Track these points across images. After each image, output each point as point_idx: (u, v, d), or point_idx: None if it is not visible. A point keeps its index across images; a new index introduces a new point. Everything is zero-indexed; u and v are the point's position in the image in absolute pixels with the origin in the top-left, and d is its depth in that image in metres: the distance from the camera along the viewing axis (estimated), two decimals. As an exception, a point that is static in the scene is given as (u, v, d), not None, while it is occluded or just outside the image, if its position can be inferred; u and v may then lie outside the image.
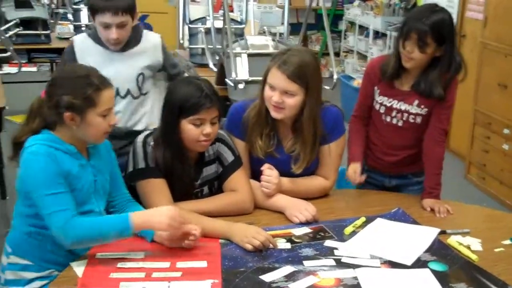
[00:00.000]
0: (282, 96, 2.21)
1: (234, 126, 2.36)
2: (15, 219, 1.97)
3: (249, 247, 1.94)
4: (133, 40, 2.69)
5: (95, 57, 2.58)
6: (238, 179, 2.25)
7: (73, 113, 1.84)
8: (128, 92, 2.72)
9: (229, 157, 2.27)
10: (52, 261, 1.91)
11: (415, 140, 2.48)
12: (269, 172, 2.26)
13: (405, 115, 2.44)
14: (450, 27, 2.28)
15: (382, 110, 2.48)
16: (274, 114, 2.26)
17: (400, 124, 2.46)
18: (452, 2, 5.67)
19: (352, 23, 8.76)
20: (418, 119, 2.44)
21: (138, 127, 2.71)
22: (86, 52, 2.64)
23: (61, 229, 1.79)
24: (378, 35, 7.85)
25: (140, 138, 2.17)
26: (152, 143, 2.14)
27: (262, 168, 2.26)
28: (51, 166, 1.81)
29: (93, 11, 2.56)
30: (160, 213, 1.87)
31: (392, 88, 2.44)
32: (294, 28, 7.87)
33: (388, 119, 2.48)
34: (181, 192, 2.17)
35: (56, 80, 1.91)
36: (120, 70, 2.62)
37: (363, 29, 8.35)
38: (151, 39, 2.79)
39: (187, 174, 2.18)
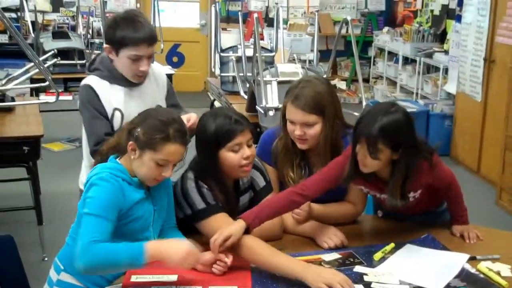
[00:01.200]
0: (303, 129, 2.28)
1: (265, 153, 2.42)
2: (70, 238, 2.04)
3: (324, 287, 1.86)
4: None
5: (117, 96, 2.51)
6: None
7: (135, 144, 1.94)
8: None
9: (261, 182, 2.32)
10: (101, 284, 1.96)
11: (423, 203, 2.34)
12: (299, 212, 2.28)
13: None
14: (405, 130, 2.06)
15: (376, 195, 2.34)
16: (300, 145, 2.33)
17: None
18: (482, 28, 5.68)
19: (381, 50, 8.81)
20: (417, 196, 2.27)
21: None
22: (108, 93, 2.50)
23: (85, 247, 1.82)
24: (407, 61, 7.87)
25: (189, 182, 2.17)
26: (205, 185, 2.16)
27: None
28: (113, 195, 1.90)
29: (122, 44, 2.41)
30: (178, 247, 1.90)
31: (377, 183, 2.22)
32: (324, 55, 7.96)
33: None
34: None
35: (144, 113, 2.02)
36: (139, 105, 2.41)
37: (392, 55, 8.39)
38: (158, 68, 2.75)
39: (230, 205, 2.21)
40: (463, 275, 2.02)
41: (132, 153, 1.95)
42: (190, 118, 2.43)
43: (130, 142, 1.94)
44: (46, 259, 3.60)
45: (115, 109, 2.50)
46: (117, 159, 2.01)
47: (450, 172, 2.31)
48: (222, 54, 5.05)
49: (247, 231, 2.02)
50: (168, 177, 2.01)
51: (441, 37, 7.43)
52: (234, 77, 4.84)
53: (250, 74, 4.19)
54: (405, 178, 2.11)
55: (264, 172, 2.34)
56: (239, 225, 2.01)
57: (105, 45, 2.48)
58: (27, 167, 3.62)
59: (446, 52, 6.82)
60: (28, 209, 3.81)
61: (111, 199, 1.89)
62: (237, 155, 2.14)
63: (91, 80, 2.53)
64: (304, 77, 2.43)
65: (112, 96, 2.50)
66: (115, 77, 2.52)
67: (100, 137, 2.41)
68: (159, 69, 2.75)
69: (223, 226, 2.06)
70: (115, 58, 2.48)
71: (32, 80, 5.19)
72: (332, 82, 8.97)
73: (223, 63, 5.05)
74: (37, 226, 3.77)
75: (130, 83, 2.53)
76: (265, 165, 2.38)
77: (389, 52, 8.41)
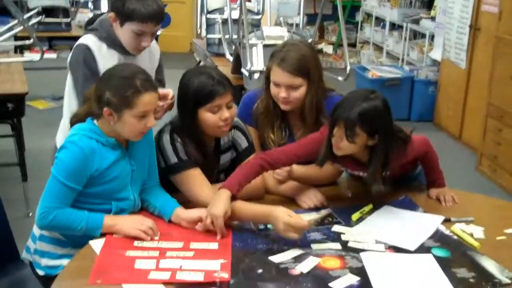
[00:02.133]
0: (288, 91, 2.32)
1: (247, 115, 2.45)
2: None
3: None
4: None
5: (112, 62, 2.43)
6: None
7: (111, 109, 1.94)
8: None
9: (243, 143, 2.36)
10: (84, 239, 1.98)
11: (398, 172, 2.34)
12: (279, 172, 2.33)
13: None
14: (383, 117, 2.09)
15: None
16: (283, 107, 2.37)
17: None
18: (468, -5, 5.70)
19: (368, 15, 8.80)
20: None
21: None
22: (103, 57, 2.46)
23: (45, 211, 1.92)
24: (394, 26, 7.88)
25: (164, 135, 2.21)
26: (179, 139, 2.20)
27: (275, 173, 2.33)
28: (79, 161, 1.93)
29: (128, 17, 2.37)
30: (131, 220, 2.01)
31: (356, 163, 2.25)
32: (311, 19, 7.95)
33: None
34: None
35: (105, 76, 2.03)
36: None
37: (379, 21, 8.39)
38: (154, 44, 2.67)
39: (208, 163, 2.25)
40: (437, 236, 2.09)
41: (110, 118, 1.96)
42: (168, 94, 2.43)
43: (105, 109, 1.95)
44: (30, 214, 3.65)
45: None
46: (94, 121, 2.02)
47: (423, 140, 2.34)
48: (208, 16, 5.04)
49: (233, 198, 2.06)
50: (152, 126, 2.03)
51: (429, 4, 7.43)
52: (220, 39, 4.84)
53: (236, 37, 4.19)
54: (384, 164, 2.15)
55: (247, 133, 2.38)
56: (227, 195, 2.03)
57: (110, 13, 2.42)
58: (11, 124, 3.63)
59: (433, 18, 6.82)
60: (13, 166, 3.84)
61: (77, 165, 1.93)
62: (215, 116, 2.16)
63: (89, 40, 2.48)
64: (288, 40, 2.46)
65: (107, 61, 2.44)
66: (113, 42, 2.48)
67: None
68: (154, 43, 2.68)
69: (195, 182, 2.15)
70: (119, 28, 2.43)
71: (16, 38, 5.15)
72: (319, 46, 8.96)
73: (209, 25, 5.03)
74: (22, 182, 3.79)
75: (126, 51, 2.49)
76: (247, 126, 2.42)
77: (377, 18, 8.40)
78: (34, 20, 5.14)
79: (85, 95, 2.07)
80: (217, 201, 2.01)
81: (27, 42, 4.42)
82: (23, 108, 3.64)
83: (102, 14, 2.59)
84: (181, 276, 1.75)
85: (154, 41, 2.65)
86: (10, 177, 4.05)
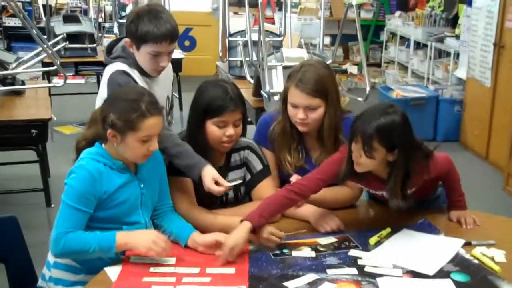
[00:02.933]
0: (306, 112, 2.31)
1: (263, 137, 2.45)
2: None
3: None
4: None
5: (144, 86, 2.39)
6: (266, 188, 2.33)
7: (114, 131, 1.96)
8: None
9: (257, 165, 2.36)
10: (94, 267, 1.99)
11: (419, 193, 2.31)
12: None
13: None
14: (402, 131, 2.06)
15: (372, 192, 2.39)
16: (301, 128, 2.37)
17: None
18: (492, 13, 5.64)
19: (393, 34, 8.77)
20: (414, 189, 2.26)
21: None
22: (139, 81, 2.44)
23: (57, 237, 1.92)
24: (419, 45, 7.83)
25: None
26: None
27: (291, 179, 2.33)
28: (88, 184, 1.94)
29: (143, 40, 2.35)
30: (144, 236, 1.97)
31: (376, 182, 2.22)
32: (336, 39, 7.90)
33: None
34: (206, 194, 2.23)
35: (111, 97, 2.05)
36: (157, 96, 2.25)
37: (404, 40, 8.34)
38: None
39: None
40: (457, 260, 2.05)
41: (114, 140, 1.97)
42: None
43: (109, 131, 1.96)
44: (53, 240, 3.66)
45: None
46: (102, 145, 2.04)
47: (446, 158, 2.31)
48: (230, 38, 5.06)
49: (253, 231, 2.05)
50: (155, 150, 2.03)
51: (453, 22, 7.37)
52: (241, 62, 4.86)
53: (256, 59, 4.21)
54: (404, 180, 2.12)
55: (261, 156, 2.38)
56: (246, 228, 2.03)
57: (126, 39, 2.42)
58: (35, 150, 3.68)
59: (457, 37, 6.77)
60: (37, 191, 3.88)
61: (86, 188, 1.94)
62: (220, 131, 2.20)
63: (121, 66, 2.44)
64: (305, 61, 2.45)
65: (142, 84, 2.44)
66: (139, 67, 2.46)
67: None
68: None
69: (178, 191, 2.22)
70: (136, 53, 2.42)
71: (44, 64, 5.26)
72: (344, 67, 8.94)
73: (231, 48, 5.06)
74: (46, 208, 3.83)
75: (147, 74, 2.48)
76: (263, 150, 2.42)
77: (401, 37, 8.36)
78: (58, 46, 5.24)
79: (92, 117, 2.09)
80: (235, 232, 2.02)
81: (51, 68, 4.50)
82: (46, 134, 3.69)
83: (120, 39, 2.58)
84: (198, 302, 1.74)
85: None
86: (34, 202, 4.09)
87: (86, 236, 1.93)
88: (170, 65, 2.70)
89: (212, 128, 2.20)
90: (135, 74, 2.46)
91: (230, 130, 2.20)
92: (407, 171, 2.10)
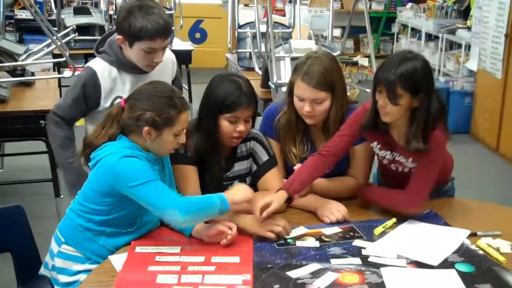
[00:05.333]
0: (312, 105, 2.30)
1: (269, 128, 2.45)
2: (71, 211, 2.09)
3: (270, 235, 2.06)
4: None
5: (123, 85, 2.49)
6: (272, 178, 2.34)
7: (151, 128, 1.98)
8: None
9: (263, 156, 2.36)
10: (102, 255, 2.00)
11: None
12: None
13: (406, 168, 2.31)
14: (424, 75, 2.07)
15: (386, 162, 2.35)
16: (308, 121, 2.36)
17: (406, 170, 2.31)
18: (503, 4, 5.59)
19: (404, 26, 8.72)
20: None
21: None
22: (112, 82, 2.48)
23: (176, 207, 1.90)
24: (430, 37, 7.78)
25: None
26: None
27: (294, 168, 2.33)
28: (141, 163, 1.94)
29: (136, 38, 2.35)
30: (241, 192, 2.02)
31: (390, 141, 2.26)
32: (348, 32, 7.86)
33: (394, 167, 2.34)
34: (211, 183, 2.26)
35: (143, 95, 2.03)
36: None
37: (415, 32, 8.29)
38: (168, 54, 2.63)
39: (218, 165, 2.28)
40: (462, 250, 2.04)
41: (148, 137, 1.99)
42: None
43: (146, 128, 1.97)
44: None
45: (117, 97, 2.47)
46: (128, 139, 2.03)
47: (443, 154, 2.26)
48: (239, 30, 5.06)
49: (289, 200, 2.16)
50: (183, 142, 2.07)
51: (465, 13, 7.32)
52: (250, 53, 4.85)
53: (264, 50, 4.19)
54: (426, 123, 2.13)
55: (267, 147, 2.38)
56: (281, 193, 2.13)
57: (118, 37, 2.40)
58: (45, 141, 3.69)
59: (469, 28, 6.72)
60: (46, 182, 3.90)
61: (144, 164, 1.94)
62: (231, 127, 2.20)
63: (98, 65, 2.48)
64: (310, 52, 2.43)
65: (117, 85, 2.49)
66: (123, 64, 2.47)
67: (66, 118, 2.49)
68: (168, 55, 2.66)
69: (183, 178, 2.22)
70: (129, 50, 2.42)
71: (55, 56, 5.28)
72: (354, 59, 8.91)
73: (241, 39, 5.05)
74: (54, 198, 3.86)
75: (139, 69, 2.49)
76: (269, 140, 2.42)
77: (412, 29, 8.32)
78: (67, 38, 5.25)
79: (111, 114, 2.05)
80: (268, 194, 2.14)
81: (60, 59, 4.51)
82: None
83: (111, 34, 2.55)
84: (203, 291, 1.74)
85: (169, 53, 2.66)
86: (43, 193, 4.14)
87: (203, 198, 2.02)
88: (171, 59, 2.70)
89: (223, 123, 2.21)
90: (112, 73, 2.47)
91: (241, 126, 2.21)
92: (429, 113, 2.11)
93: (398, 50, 2.24)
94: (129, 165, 1.92)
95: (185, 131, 2.05)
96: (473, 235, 2.14)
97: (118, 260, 1.94)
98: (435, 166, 2.23)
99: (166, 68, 2.65)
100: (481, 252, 2.03)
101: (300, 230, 2.16)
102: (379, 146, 2.32)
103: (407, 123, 2.17)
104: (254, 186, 2.38)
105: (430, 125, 2.14)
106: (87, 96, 2.47)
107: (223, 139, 2.26)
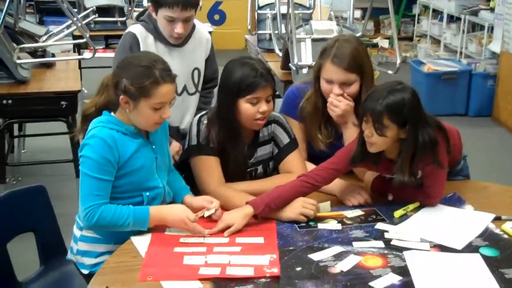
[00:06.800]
0: (342, 88, 2.29)
1: (290, 108, 2.45)
2: None
3: (302, 218, 2.06)
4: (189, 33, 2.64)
5: (159, 53, 2.36)
6: (293, 161, 2.32)
7: (127, 97, 1.94)
8: (184, 88, 2.71)
9: (284, 139, 2.34)
10: (120, 236, 2.00)
11: None
12: (339, 98, 2.30)
13: None
14: (412, 107, 2.03)
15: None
16: None
17: None
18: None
19: (426, 7, 8.60)
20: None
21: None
22: (148, 47, 2.57)
23: (89, 211, 1.91)
24: (452, 19, 7.67)
25: (196, 117, 2.29)
26: (205, 121, 2.24)
27: (330, 94, 2.31)
28: (105, 152, 1.93)
29: (158, 4, 2.47)
30: (174, 212, 1.98)
31: (385, 165, 2.19)
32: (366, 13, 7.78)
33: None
34: (235, 171, 2.26)
35: (124, 63, 2.02)
36: (177, 67, 2.32)
37: (437, 13, 8.17)
38: (203, 31, 2.75)
39: (241, 153, 2.26)
40: (486, 234, 2.01)
41: (126, 106, 1.96)
42: (175, 147, 2.51)
43: (122, 96, 1.94)
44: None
45: None
46: (111, 113, 2.02)
47: (444, 161, 2.17)
48: (259, 11, 5.02)
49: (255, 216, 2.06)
50: (167, 117, 2.02)
51: (488, -6, 7.21)
52: (270, 35, 4.81)
53: (284, 32, 4.16)
54: (413, 155, 2.09)
55: (288, 129, 2.36)
56: (246, 212, 2.04)
57: (148, 3, 2.54)
58: (65, 121, 3.71)
59: (492, 9, 6.60)
60: (67, 162, 3.92)
61: (104, 156, 1.92)
62: (254, 108, 2.17)
63: (137, 29, 2.60)
64: (339, 35, 2.43)
65: (155, 51, 2.51)
66: (159, 34, 2.57)
67: None
68: (204, 33, 2.76)
69: (206, 170, 2.21)
70: (156, 17, 2.53)
71: (75, 37, 5.28)
72: (374, 41, 8.81)
73: (260, 21, 5.01)
74: (75, 178, 3.87)
75: (170, 43, 2.58)
76: (291, 121, 2.41)
77: (434, 10, 8.19)
78: (89, 19, 5.25)
79: (103, 82, 2.07)
80: (236, 212, 2.04)
81: (80, 41, 4.52)
82: (76, 106, 3.70)
83: None
84: (231, 271, 1.76)
85: (202, 31, 2.74)
86: (64, 173, 4.15)
87: (120, 210, 1.94)
88: (205, 38, 2.76)
89: (245, 106, 2.17)
90: (148, 39, 2.57)
91: (264, 106, 2.18)
92: (417, 146, 2.06)
93: (387, 82, 2.15)
94: (88, 151, 1.93)
95: (168, 106, 1.99)
96: (497, 219, 2.11)
97: (140, 241, 1.94)
98: (443, 171, 2.20)
99: (200, 44, 2.71)
100: (505, 236, 2.00)
101: (327, 205, 2.17)
102: (374, 172, 2.30)
103: (398, 151, 2.12)
104: (277, 170, 2.38)
105: (418, 159, 2.08)
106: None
107: (246, 124, 2.22)
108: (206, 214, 2.05)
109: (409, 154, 2.08)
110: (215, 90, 2.42)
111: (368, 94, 2.09)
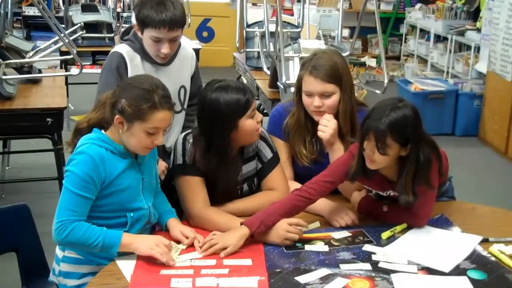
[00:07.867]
0: (321, 99, 2.31)
1: (276, 127, 2.45)
2: None
3: (287, 242, 2.03)
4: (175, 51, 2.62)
5: (145, 73, 2.49)
6: (276, 177, 2.31)
7: (122, 118, 1.93)
8: None
9: (267, 153, 2.33)
10: (102, 256, 1.98)
11: None
12: (328, 117, 2.31)
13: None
14: (414, 125, 2.03)
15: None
16: (316, 118, 2.35)
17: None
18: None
19: (413, 27, 8.68)
20: None
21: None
22: (136, 67, 2.54)
23: (61, 225, 1.88)
24: (439, 39, 7.74)
25: (181, 135, 2.26)
26: (191, 140, 2.21)
27: (322, 116, 2.33)
28: (90, 169, 1.90)
29: (144, 24, 2.43)
30: (147, 239, 1.95)
31: (381, 182, 2.20)
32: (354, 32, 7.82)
33: (386, 194, 2.28)
34: (223, 191, 2.23)
35: (125, 83, 2.02)
36: (166, 85, 2.16)
37: (424, 33, 8.25)
38: (187, 49, 2.74)
39: (233, 176, 2.24)
40: (474, 257, 2.00)
41: (120, 126, 1.95)
42: (160, 166, 2.47)
43: (117, 116, 1.93)
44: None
45: None
46: (101, 131, 2.01)
47: (435, 181, 2.18)
48: (247, 29, 5.02)
49: (252, 236, 2.04)
50: (159, 144, 2.00)
51: (475, 15, 7.27)
52: (259, 53, 4.82)
53: (273, 50, 4.16)
54: (415, 174, 2.08)
55: (271, 143, 2.36)
56: (242, 233, 2.01)
57: (134, 23, 2.51)
58: (51, 138, 3.67)
59: (478, 30, 6.67)
60: (52, 180, 3.88)
61: (88, 173, 1.90)
62: (254, 120, 2.18)
63: (123, 49, 2.56)
64: (317, 49, 2.46)
65: (139, 72, 2.49)
66: (145, 53, 2.55)
67: None
68: (188, 50, 2.74)
69: (191, 191, 2.17)
70: (142, 37, 2.50)
71: (62, 53, 5.26)
72: (362, 59, 8.86)
73: (249, 38, 5.01)
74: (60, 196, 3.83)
75: (157, 62, 2.56)
76: (276, 140, 2.41)
77: (421, 30, 8.27)
78: (75, 35, 5.23)
79: (101, 100, 2.05)
80: (231, 235, 2.01)
81: (67, 57, 4.49)
82: (62, 122, 3.67)
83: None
84: (221, 294, 1.72)
85: (187, 48, 2.72)
86: (49, 191, 4.10)
87: (92, 230, 1.90)
88: (191, 55, 2.75)
89: (247, 122, 2.15)
90: (135, 59, 2.54)
91: (259, 115, 2.21)
92: (418, 165, 2.07)
93: (386, 98, 2.15)
94: (73, 166, 1.90)
95: (162, 132, 1.97)
96: (485, 241, 2.10)
97: (124, 263, 1.91)
98: (433, 192, 2.19)
99: (185, 62, 2.70)
100: (493, 258, 1.99)
101: (315, 224, 2.17)
102: (370, 189, 2.30)
103: (397, 168, 2.12)
104: (259, 185, 2.36)
105: (420, 177, 2.08)
106: (122, 78, 2.49)
107: (247, 140, 2.22)
108: (174, 252, 1.98)
109: (412, 173, 2.08)
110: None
111: (369, 112, 2.08)
